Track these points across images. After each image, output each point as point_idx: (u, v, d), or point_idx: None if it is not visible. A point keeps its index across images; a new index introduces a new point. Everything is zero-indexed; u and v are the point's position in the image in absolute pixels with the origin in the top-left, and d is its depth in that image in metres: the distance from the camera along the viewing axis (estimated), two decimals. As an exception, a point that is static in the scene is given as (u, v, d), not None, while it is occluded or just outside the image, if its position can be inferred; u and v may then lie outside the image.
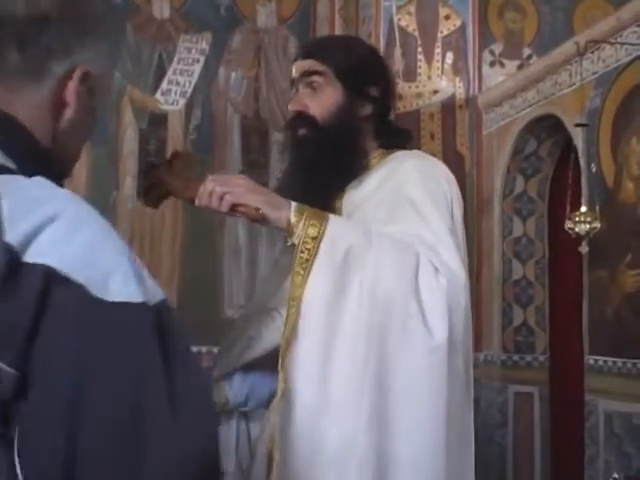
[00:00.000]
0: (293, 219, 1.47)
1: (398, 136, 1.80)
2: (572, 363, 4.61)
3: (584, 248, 3.68)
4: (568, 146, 4.82)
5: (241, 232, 5.85)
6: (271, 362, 1.53)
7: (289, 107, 1.72)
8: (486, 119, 5.36)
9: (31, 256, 0.75)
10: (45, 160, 0.90)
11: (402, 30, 5.39)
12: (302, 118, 1.68)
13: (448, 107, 5.35)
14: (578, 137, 4.22)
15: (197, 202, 1.48)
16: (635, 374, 3.75)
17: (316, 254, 1.45)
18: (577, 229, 3.62)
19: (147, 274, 0.81)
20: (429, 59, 5.40)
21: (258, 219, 1.46)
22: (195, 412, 0.77)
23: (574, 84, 4.34)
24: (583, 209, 3.69)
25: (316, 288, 1.45)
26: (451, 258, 1.55)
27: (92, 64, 0.93)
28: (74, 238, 0.77)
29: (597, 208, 3.69)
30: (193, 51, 5.90)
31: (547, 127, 4.86)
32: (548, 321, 5.06)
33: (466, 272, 1.59)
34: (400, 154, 1.76)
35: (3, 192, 0.78)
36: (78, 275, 0.75)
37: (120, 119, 5.72)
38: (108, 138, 5.61)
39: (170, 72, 5.83)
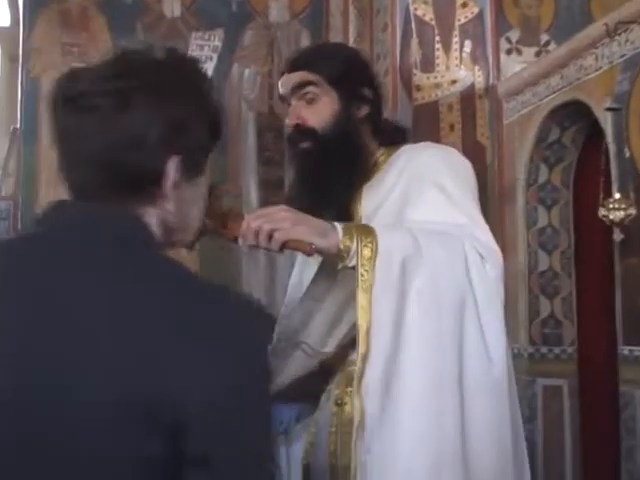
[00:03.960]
0: (344, 244, 1.44)
1: (396, 133, 1.81)
2: (603, 354, 4.51)
3: (618, 236, 3.58)
4: (592, 132, 4.72)
5: (259, 230, 5.77)
6: (290, 392, 1.60)
7: (286, 121, 1.70)
8: (506, 108, 5.25)
9: None
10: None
11: (419, 20, 5.29)
12: (302, 131, 1.66)
13: (467, 97, 5.25)
14: (607, 122, 4.11)
15: (241, 242, 1.44)
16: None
17: (374, 273, 1.43)
18: (611, 216, 3.53)
19: None
20: (447, 48, 5.30)
21: (311, 254, 1.43)
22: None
23: (600, 68, 4.23)
24: (617, 196, 3.58)
25: (381, 309, 1.43)
26: (489, 239, 1.59)
27: None
28: None
29: (632, 194, 3.59)
30: (205, 48, 5.82)
31: (571, 114, 4.75)
32: (575, 312, 4.96)
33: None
34: (408, 147, 1.77)
35: None
36: None
37: (134, 119, 5.63)
38: (122, 139, 5.53)
39: (183, 70, 5.74)
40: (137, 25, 5.72)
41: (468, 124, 5.22)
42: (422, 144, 1.86)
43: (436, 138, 5.03)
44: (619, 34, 4.02)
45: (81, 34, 5.61)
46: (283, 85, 1.70)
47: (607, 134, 4.15)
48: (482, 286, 1.48)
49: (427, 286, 1.45)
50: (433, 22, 5.33)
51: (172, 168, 0.95)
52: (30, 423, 0.86)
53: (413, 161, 1.69)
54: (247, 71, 5.88)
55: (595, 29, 4.30)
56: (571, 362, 4.92)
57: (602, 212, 3.61)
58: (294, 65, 1.70)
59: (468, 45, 5.34)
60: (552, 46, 6.32)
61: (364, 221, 1.65)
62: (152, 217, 0.97)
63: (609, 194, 3.93)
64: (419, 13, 5.32)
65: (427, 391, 1.43)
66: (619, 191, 3.65)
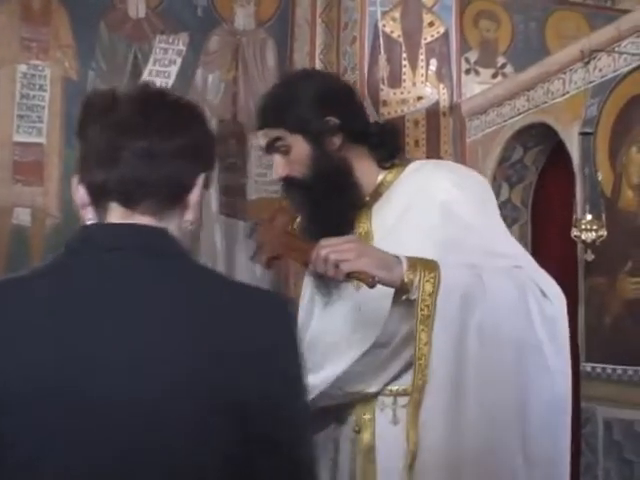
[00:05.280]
0: (408, 277, 1.46)
1: (384, 141, 1.75)
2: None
3: (589, 256, 3.69)
4: (554, 154, 4.87)
5: (218, 238, 5.71)
6: None
7: (273, 176, 1.74)
8: (470, 126, 5.36)
9: None
10: None
11: (387, 36, 5.35)
12: (289, 184, 1.69)
13: (432, 114, 5.33)
14: (573, 146, 4.25)
15: (311, 268, 1.50)
16: (637, 381, 3.78)
17: (435, 309, 1.46)
18: (583, 237, 3.64)
19: None
20: (413, 66, 5.38)
21: (373, 285, 1.45)
22: None
23: (567, 92, 4.37)
24: (589, 217, 3.70)
25: (441, 344, 1.46)
26: (550, 279, 1.58)
27: None
28: None
29: (603, 216, 3.71)
30: (169, 52, 5.74)
31: (535, 135, 4.89)
32: (532, 328, 5.09)
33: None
34: (419, 166, 1.75)
35: None
36: None
37: (94, 120, 5.50)
38: (82, 139, 5.40)
39: (146, 73, 5.65)
40: (100, 24, 5.60)
41: (432, 140, 5.30)
42: (431, 164, 1.84)
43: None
44: (587, 62, 4.16)
45: (42, 29, 5.45)
46: (260, 142, 1.72)
47: (574, 157, 4.28)
48: (543, 322, 1.50)
49: (488, 321, 1.46)
50: (401, 39, 5.40)
51: (200, 182, 1.12)
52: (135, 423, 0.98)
53: (425, 187, 1.66)
54: (211, 77, 5.82)
55: (564, 55, 4.45)
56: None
57: (574, 232, 3.72)
58: (258, 123, 1.71)
59: (434, 63, 5.43)
60: (508, 69, 6.51)
61: (377, 242, 1.65)
62: (174, 224, 1.09)
63: (569, 215, 4.05)
64: (387, 30, 5.38)
65: (490, 425, 1.45)
66: (591, 212, 3.77)
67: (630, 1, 6.20)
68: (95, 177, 1.06)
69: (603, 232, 3.66)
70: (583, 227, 3.66)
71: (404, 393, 1.59)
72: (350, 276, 1.44)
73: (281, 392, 1.03)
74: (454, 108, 5.40)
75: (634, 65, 3.88)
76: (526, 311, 1.50)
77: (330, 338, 1.68)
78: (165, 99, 1.12)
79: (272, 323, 1.05)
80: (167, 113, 1.09)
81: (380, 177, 1.72)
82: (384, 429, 1.61)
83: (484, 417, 1.44)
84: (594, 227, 3.64)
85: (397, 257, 1.48)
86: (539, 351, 1.50)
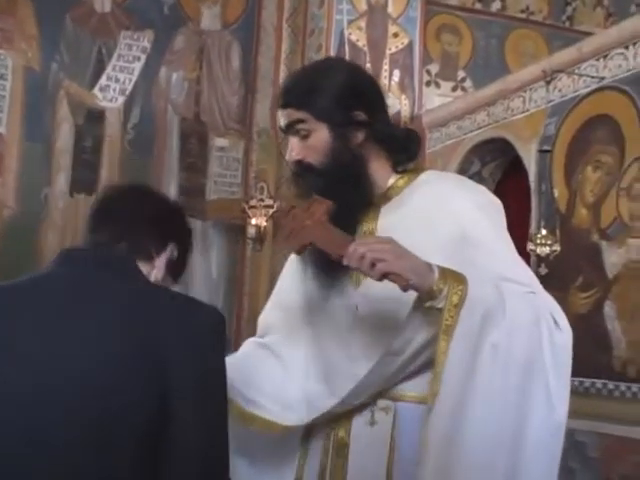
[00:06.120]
0: (437, 286, 1.48)
1: (406, 147, 1.74)
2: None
3: (543, 269, 3.81)
4: (510, 169, 5.01)
5: (176, 237, 5.70)
6: None
7: (286, 158, 1.72)
8: (430, 138, 5.47)
9: None
10: None
11: (352, 44, 5.43)
12: (301, 167, 1.67)
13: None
14: (530, 162, 4.38)
15: (346, 262, 1.48)
16: (581, 392, 3.91)
17: (457, 322, 1.48)
18: (538, 251, 3.75)
19: None
20: (377, 75, 5.46)
21: (407, 289, 1.47)
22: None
23: (527, 110, 4.50)
24: (544, 232, 3.82)
25: (456, 356, 1.49)
26: (561, 312, 1.59)
27: None
28: None
29: (557, 232, 3.83)
30: (134, 48, 5.72)
31: (492, 150, 5.02)
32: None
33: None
34: (432, 177, 1.74)
35: None
36: None
37: (55, 113, 5.45)
38: (42, 132, 5.35)
39: (109, 68, 5.62)
40: (66, 17, 5.55)
41: (393, 150, 5.38)
42: (451, 179, 1.83)
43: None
44: (547, 81, 4.30)
45: (7, 19, 5.38)
46: (280, 120, 1.71)
47: (531, 173, 4.41)
48: (553, 350, 1.52)
49: (502, 342, 1.48)
50: (365, 48, 5.49)
51: (169, 249, 1.42)
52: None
53: (446, 202, 1.65)
54: (175, 75, 5.82)
55: (525, 73, 4.58)
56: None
57: (530, 246, 3.83)
58: (283, 101, 1.67)
59: (397, 74, 5.53)
60: (468, 83, 6.65)
61: None
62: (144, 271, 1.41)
63: (524, 229, 4.17)
64: (353, 38, 5.46)
65: (484, 442, 1.47)
66: (545, 228, 3.89)
67: (588, 23, 6.41)
68: (90, 237, 1.41)
69: (557, 247, 3.78)
70: (538, 241, 3.78)
71: (385, 396, 1.62)
72: (385, 277, 1.45)
73: (201, 393, 1.21)
74: (415, 119, 5.51)
75: (593, 87, 4.02)
76: (539, 337, 1.51)
77: (330, 342, 1.69)
78: (139, 190, 1.49)
79: (199, 330, 1.25)
80: (135, 200, 1.45)
81: (391, 180, 1.70)
82: (360, 429, 1.63)
83: (481, 433, 1.46)
84: (548, 242, 3.76)
85: (429, 264, 1.49)
86: (544, 378, 1.51)
